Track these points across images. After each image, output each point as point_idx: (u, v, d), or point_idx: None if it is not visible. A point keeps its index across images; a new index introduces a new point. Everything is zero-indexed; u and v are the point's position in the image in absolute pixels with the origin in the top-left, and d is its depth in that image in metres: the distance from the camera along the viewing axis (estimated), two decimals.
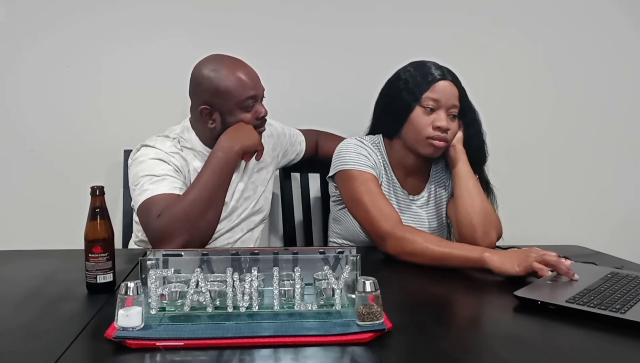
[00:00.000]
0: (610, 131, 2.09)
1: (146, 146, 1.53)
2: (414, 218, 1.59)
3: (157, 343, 0.88)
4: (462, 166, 1.51)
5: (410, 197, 1.60)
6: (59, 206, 1.90)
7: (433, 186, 1.62)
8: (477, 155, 1.56)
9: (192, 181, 1.51)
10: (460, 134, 1.53)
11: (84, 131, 1.93)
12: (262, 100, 1.55)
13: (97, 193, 1.14)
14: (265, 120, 1.56)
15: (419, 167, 1.59)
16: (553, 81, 2.06)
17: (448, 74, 1.50)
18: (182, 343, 0.88)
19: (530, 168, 2.08)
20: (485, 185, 1.59)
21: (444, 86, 1.48)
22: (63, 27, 1.90)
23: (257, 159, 1.57)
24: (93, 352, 0.90)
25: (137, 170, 1.48)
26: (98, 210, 1.14)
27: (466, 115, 1.53)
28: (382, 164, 1.57)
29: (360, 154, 1.53)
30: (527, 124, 2.07)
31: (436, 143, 1.48)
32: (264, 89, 1.55)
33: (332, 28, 1.95)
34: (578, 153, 2.09)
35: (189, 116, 1.59)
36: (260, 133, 1.55)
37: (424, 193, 1.61)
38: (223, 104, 1.49)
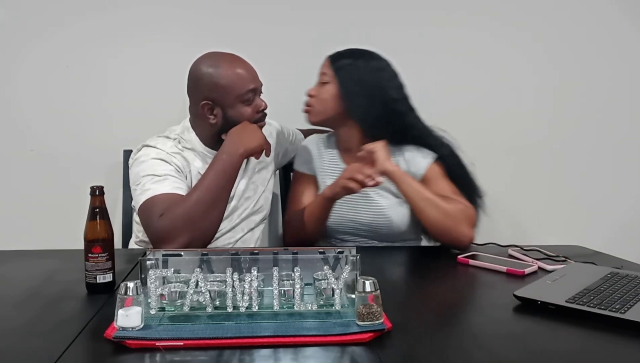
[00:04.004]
0: (611, 131, 2.09)
1: (147, 146, 1.52)
2: (363, 198, 1.57)
3: (156, 343, 0.88)
4: (401, 186, 1.49)
5: None
6: (59, 206, 1.90)
7: None
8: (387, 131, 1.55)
9: (193, 181, 1.51)
10: (382, 153, 1.48)
11: (83, 131, 1.93)
12: (260, 94, 1.56)
13: (97, 193, 1.14)
14: (266, 114, 1.57)
15: (356, 146, 1.58)
16: (554, 82, 2.06)
17: None
18: (182, 343, 0.88)
19: (530, 168, 2.08)
20: (463, 188, 1.56)
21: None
22: (63, 27, 1.90)
23: (267, 155, 1.57)
24: (93, 352, 0.90)
25: (138, 170, 1.48)
26: (98, 210, 1.14)
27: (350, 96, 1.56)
28: (328, 157, 1.65)
29: (301, 154, 1.71)
30: (528, 125, 2.06)
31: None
32: (262, 84, 1.56)
33: (331, 30, 1.95)
34: (578, 153, 2.09)
35: (189, 116, 1.59)
36: (260, 127, 1.55)
37: None
38: (224, 98, 1.49)
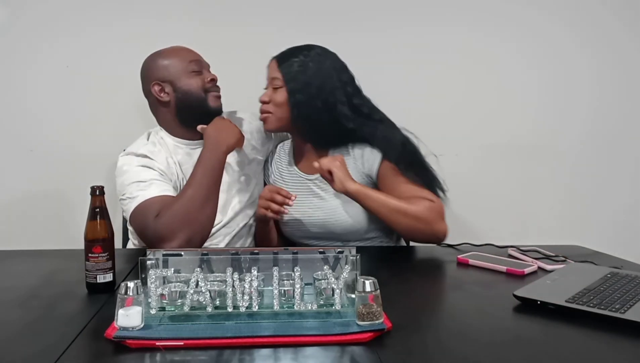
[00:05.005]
0: (612, 131, 2.09)
1: (127, 154, 1.55)
2: (314, 199, 1.58)
3: (157, 343, 0.88)
4: (365, 203, 1.47)
5: (305, 176, 1.62)
6: (59, 206, 1.90)
7: None
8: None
9: (175, 175, 1.54)
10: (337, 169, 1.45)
11: (84, 131, 1.93)
12: (209, 71, 1.61)
13: (97, 193, 1.14)
14: (218, 86, 1.60)
15: (309, 149, 1.61)
16: (555, 82, 2.06)
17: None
18: (182, 343, 0.89)
19: (530, 168, 2.08)
20: (423, 180, 1.52)
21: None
22: (64, 28, 1.90)
23: (240, 147, 1.58)
24: (93, 351, 0.90)
25: (122, 179, 1.50)
26: (98, 210, 1.14)
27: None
28: (285, 161, 1.67)
29: (266, 163, 1.73)
30: (529, 124, 2.06)
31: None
32: (209, 65, 1.62)
33: (325, 34, 1.93)
34: (578, 153, 2.09)
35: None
36: (217, 97, 1.59)
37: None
38: (170, 74, 1.55)
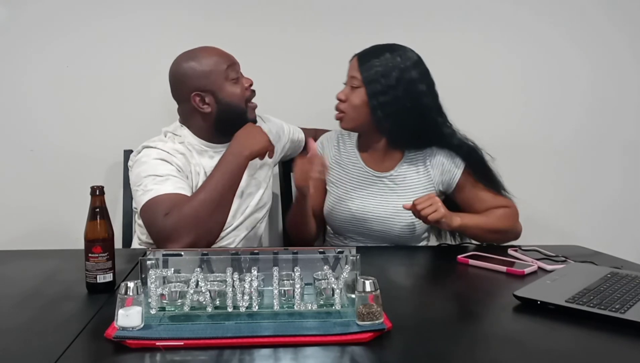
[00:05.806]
0: (611, 130, 2.09)
1: (148, 147, 1.53)
2: (379, 197, 1.58)
3: (157, 343, 0.88)
4: (468, 232, 1.53)
5: (374, 172, 1.60)
6: (59, 206, 1.90)
7: (405, 165, 1.59)
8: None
9: (193, 176, 1.52)
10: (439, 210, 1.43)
11: (83, 131, 1.93)
12: (242, 73, 1.59)
13: (97, 193, 1.14)
14: (254, 91, 1.59)
15: (381, 147, 1.59)
16: (555, 81, 2.06)
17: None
18: (182, 343, 0.89)
19: (530, 167, 2.08)
20: (490, 182, 1.57)
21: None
22: (63, 28, 1.90)
23: (270, 157, 1.57)
24: (93, 351, 0.91)
25: (139, 171, 1.48)
26: (98, 210, 1.14)
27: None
28: (347, 154, 1.63)
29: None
30: (528, 123, 2.06)
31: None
32: (239, 64, 1.59)
33: (326, 34, 1.95)
34: (578, 152, 2.09)
35: (178, 118, 1.61)
36: (254, 108, 1.58)
37: (393, 171, 1.59)
38: (212, 83, 1.52)
